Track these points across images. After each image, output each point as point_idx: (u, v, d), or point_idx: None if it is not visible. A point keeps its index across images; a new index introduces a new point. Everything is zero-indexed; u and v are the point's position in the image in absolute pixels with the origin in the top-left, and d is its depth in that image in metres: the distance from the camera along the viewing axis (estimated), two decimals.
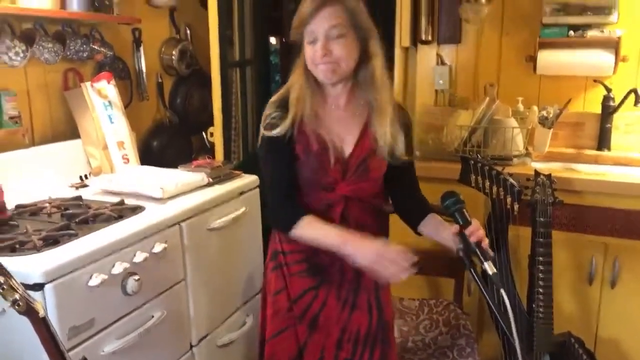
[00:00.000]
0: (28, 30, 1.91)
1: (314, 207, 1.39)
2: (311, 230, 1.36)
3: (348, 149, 1.39)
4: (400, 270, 1.24)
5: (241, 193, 2.02)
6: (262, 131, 1.40)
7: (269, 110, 1.40)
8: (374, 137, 1.37)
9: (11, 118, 1.85)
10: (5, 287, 0.85)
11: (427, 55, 2.62)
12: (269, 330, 1.48)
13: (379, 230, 1.45)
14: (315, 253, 1.40)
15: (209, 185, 1.97)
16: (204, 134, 2.75)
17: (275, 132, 1.36)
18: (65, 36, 2.02)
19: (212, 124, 2.50)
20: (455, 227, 1.31)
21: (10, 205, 1.65)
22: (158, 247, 1.59)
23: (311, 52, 1.33)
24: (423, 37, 2.54)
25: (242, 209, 1.99)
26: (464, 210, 1.28)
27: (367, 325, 1.46)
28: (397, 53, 2.49)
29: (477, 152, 2.16)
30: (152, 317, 1.58)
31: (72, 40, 2.03)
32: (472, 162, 1.80)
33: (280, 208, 1.42)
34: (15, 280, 0.92)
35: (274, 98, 1.43)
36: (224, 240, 1.92)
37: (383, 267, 1.25)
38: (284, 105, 1.39)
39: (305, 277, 1.45)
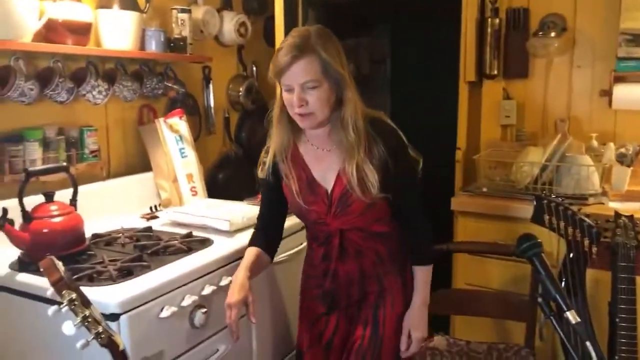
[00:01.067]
0: (110, 70, 2.04)
1: (318, 237, 1.53)
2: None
3: (329, 185, 1.46)
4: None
5: (303, 227, 2.02)
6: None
7: (263, 152, 1.53)
8: (348, 173, 1.42)
9: (92, 152, 1.96)
10: (90, 320, 0.88)
11: (492, 89, 2.58)
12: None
13: (387, 254, 1.52)
14: (324, 281, 1.52)
15: None
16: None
17: (262, 174, 1.53)
18: (142, 75, 2.14)
19: None
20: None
21: (87, 234, 1.73)
22: (225, 281, 1.61)
23: (288, 100, 1.39)
24: (488, 71, 2.51)
25: (304, 243, 1.99)
26: (542, 255, 1.22)
27: (360, 340, 1.52)
28: (462, 87, 2.46)
29: (548, 190, 2.07)
30: (217, 350, 1.59)
31: (149, 79, 2.14)
32: (546, 201, 1.73)
33: (256, 236, 1.61)
34: (98, 313, 0.95)
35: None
36: (286, 274, 1.92)
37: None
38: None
39: (318, 303, 1.56)
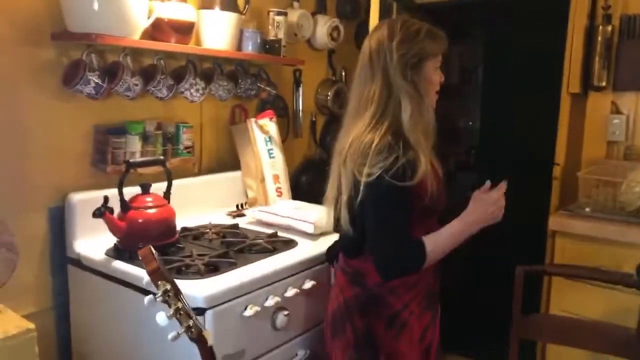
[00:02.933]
0: (207, 69, 2.09)
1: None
2: (438, 243, 1.29)
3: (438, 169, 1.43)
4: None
5: None
6: (386, 179, 1.24)
7: (391, 155, 1.25)
8: None
9: (186, 148, 2.02)
10: (182, 312, 0.88)
11: (599, 102, 2.38)
12: None
13: None
14: (434, 285, 1.44)
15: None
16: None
17: (414, 180, 1.25)
18: (237, 75, 2.18)
19: None
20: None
21: (177, 227, 1.78)
22: (308, 284, 1.59)
23: (437, 79, 1.39)
24: (596, 83, 2.32)
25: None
26: None
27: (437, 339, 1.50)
28: (564, 99, 2.29)
29: None
30: (296, 354, 1.57)
31: (243, 79, 2.18)
32: None
33: (405, 251, 1.28)
34: (189, 306, 0.95)
35: (387, 140, 1.27)
36: None
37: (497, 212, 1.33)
38: (405, 145, 1.27)
39: (425, 313, 1.42)
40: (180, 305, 0.88)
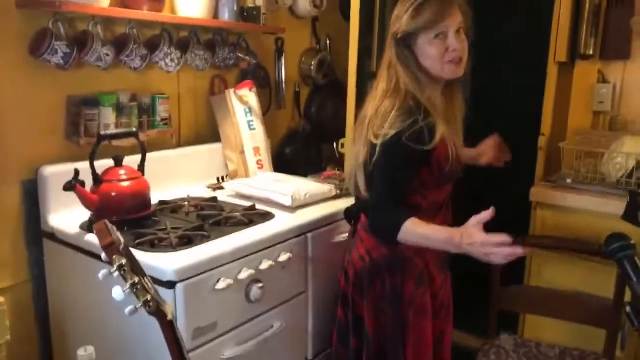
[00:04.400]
0: (184, 38, 2.04)
1: (440, 200, 1.47)
2: (419, 230, 1.31)
3: (457, 138, 1.48)
4: (504, 257, 1.23)
5: None
6: (402, 140, 1.31)
7: (410, 118, 1.31)
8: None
9: (162, 120, 1.98)
10: (139, 287, 0.86)
11: (586, 72, 2.34)
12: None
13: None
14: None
15: (336, 197, 1.93)
16: (334, 144, 2.73)
17: (431, 144, 1.33)
18: (215, 44, 2.12)
19: (344, 135, 2.47)
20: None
21: (154, 200, 1.76)
22: (283, 257, 1.58)
23: (441, 49, 1.36)
24: (583, 51, 2.27)
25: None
26: (635, 258, 1.07)
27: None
28: (550, 68, 2.25)
29: None
30: (272, 327, 1.57)
31: (221, 49, 2.13)
32: None
33: (387, 213, 1.35)
34: (149, 281, 0.94)
35: (408, 104, 1.35)
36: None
37: (492, 257, 1.24)
38: (422, 112, 1.33)
39: (439, 274, 1.53)
40: (137, 279, 0.87)
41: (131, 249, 1.40)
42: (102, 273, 0.87)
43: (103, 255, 0.88)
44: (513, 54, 2.99)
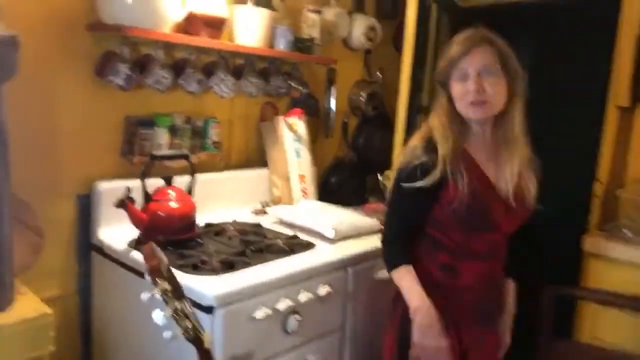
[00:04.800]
0: (239, 65, 2.09)
1: (475, 248, 1.40)
2: (402, 281, 1.38)
3: (504, 186, 1.38)
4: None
5: None
6: (397, 176, 1.41)
7: (410, 156, 1.38)
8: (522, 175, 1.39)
9: (213, 143, 2.03)
10: (180, 313, 0.87)
11: None
12: None
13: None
14: (488, 295, 1.44)
15: (380, 231, 1.90)
16: (379, 175, 2.71)
17: (421, 183, 1.34)
18: (269, 72, 2.17)
19: (389, 167, 2.45)
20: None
21: (200, 221, 1.78)
22: (322, 290, 1.56)
23: (462, 90, 1.35)
24: None
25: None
26: None
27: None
28: (610, 112, 2.17)
29: None
30: None
31: (274, 77, 2.17)
32: None
33: (391, 245, 1.43)
34: (189, 305, 0.94)
35: (415, 142, 1.40)
36: (387, 293, 1.81)
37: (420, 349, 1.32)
38: (428, 151, 1.36)
39: (477, 327, 1.45)
40: (178, 305, 0.87)
41: (173, 269, 1.43)
42: (145, 296, 0.87)
43: (147, 277, 0.89)
44: (569, 95, 2.91)
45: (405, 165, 1.37)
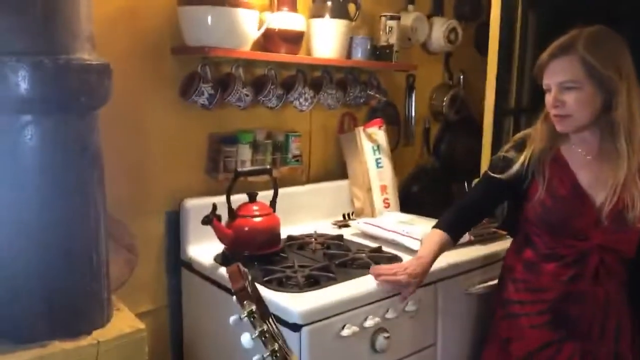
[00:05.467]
0: (317, 78, 2.08)
1: (563, 253, 1.38)
2: (429, 237, 1.52)
3: (599, 197, 1.34)
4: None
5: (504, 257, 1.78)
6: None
7: (505, 151, 1.49)
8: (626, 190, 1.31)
9: (294, 157, 2.03)
10: (267, 335, 0.85)
11: None
12: None
13: (627, 285, 1.41)
14: (562, 305, 1.39)
15: (470, 243, 1.80)
16: (466, 184, 2.59)
17: (501, 175, 1.44)
18: (347, 83, 2.14)
19: (477, 174, 2.32)
20: None
21: (282, 235, 1.78)
22: (411, 306, 1.49)
23: (547, 101, 1.36)
24: None
25: (502, 282, 1.76)
26: None
27: None
28: None
29: None
30: None
31: (352, 87, 2.14)
32: None
33: (449, 212, 1.56)
34: (276, 325, 0.92)
35: (518, 136, 1.50)
36: (480, 307, 1.71)
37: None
38: (516, 148, 1.46)
39: (546, 330, 1.42)
40: (265, 327, 0.85)
41: (259, 285, 1.43)
42: (233, 319, 0.86)
43: (234, 299, 0.88)
44: None
45: (496, 155, 1.52)
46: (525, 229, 1.48)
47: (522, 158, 1.42)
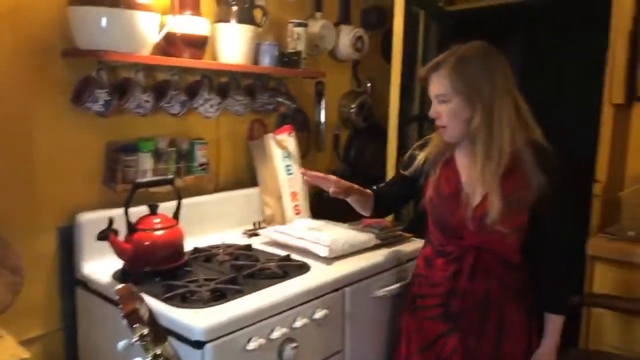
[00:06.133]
0: (223, 84, 2.03)
1: (448, 250, 1.48)
2: None
3: (476, 198, 1.42)
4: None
5: (409, 260, 1.84)
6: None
7: (413, 149, 1.62)
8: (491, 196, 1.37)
9: (200, 165, 1.97)
10: (161, 359, 0.80)
11: None
12: None
13: (514, 284, 1.45)
14: (449, 299, 1.46)
15: (376, 247, 1.84)
16: (374, 187, 2.65)
17: (405, 171, 1.59)
18: (255, 89, 2.11)
19: (384, 179, 2.39)
20: None
21: (189, 246, 1.71)
22: (319, 313, 1.49)
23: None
24: None
25: (410, 278, 1.81)
26: None
27: None
28: (606, 111, 2.13)
29: None
30: None
31: (261, 94, 2.11)
32: None
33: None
34: (173, 349, 0.87)
35: (429, 136, 1.59)
36: (387, 310, 1.75)
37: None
38: (421, 147, 1.58)
39: (439, 323, 1.49)
40: (159, 351, 0.80)
41: (160, 302, 1.37)
42: (122, 344, 0.81)
43: (124, 323, 0.82)
44: (566, 95, 2.87)
45: (408, 152, 1.64)
46: (427, 226, 1.58)
47: (421, 156, 1.54)
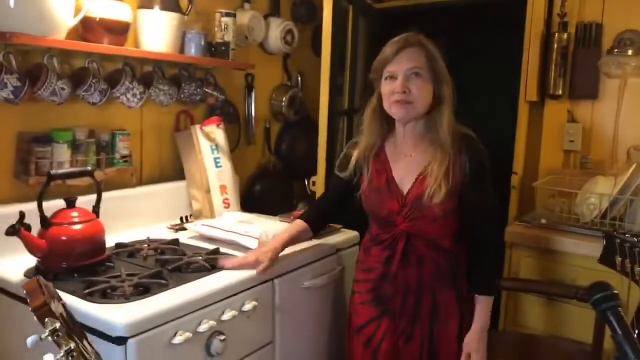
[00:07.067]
0: (147, 73, 1.96)
1: (382, 239, 1.51)
2: (288, 227, 1.67)
3: (406, 187, 1.48)
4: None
5: (339, 250, 1.86)
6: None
7: (347, 148, 1.63)
8: (433, 176, 1.43)
9: (122, 157, 1.88)
10: (74, 354, 0.75)
11: (556, 111, 2.36)
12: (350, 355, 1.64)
13: (447, 270, 1.49)
14: (380, 284, 1.51)
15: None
16: (306, 181, 2.66)
17: (342, 174, 1.59)
18: (180, 79, 2.05)
19: (315, 172, 2.40)
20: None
21: (111, 242, 1.64)
22: (248, 305, 1.47)
23: (389, 89, 1.44)
24: (552, 91, 2.29)
25: (339, 268, 1.84)
26: (620, 310, 1.01)
27: (417, 358, 1.50)
28: (521, 107, 2.26)
29: (619, 226, 1.83)
30: None
31: (187, 84, 2.05)
32: (619, 240, 1.49)
33: (309, 206, 1.80)
34: (89, 344, 0.83)
35: (354, 140, 1.62)
36: (316, 300, 1.76)
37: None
38: (353, 145, 1.59)
39: (371, 307, 1.54)
40: (72, 345, 0.75)
41: (79, 299, 1.29)
42: (31, 339, 0.75)
43: (34, 318, 0.77)
44: (489, 93, 3.01)
45: (341, 153, 1.64)
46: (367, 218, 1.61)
47: (355, 155, 1.56)
